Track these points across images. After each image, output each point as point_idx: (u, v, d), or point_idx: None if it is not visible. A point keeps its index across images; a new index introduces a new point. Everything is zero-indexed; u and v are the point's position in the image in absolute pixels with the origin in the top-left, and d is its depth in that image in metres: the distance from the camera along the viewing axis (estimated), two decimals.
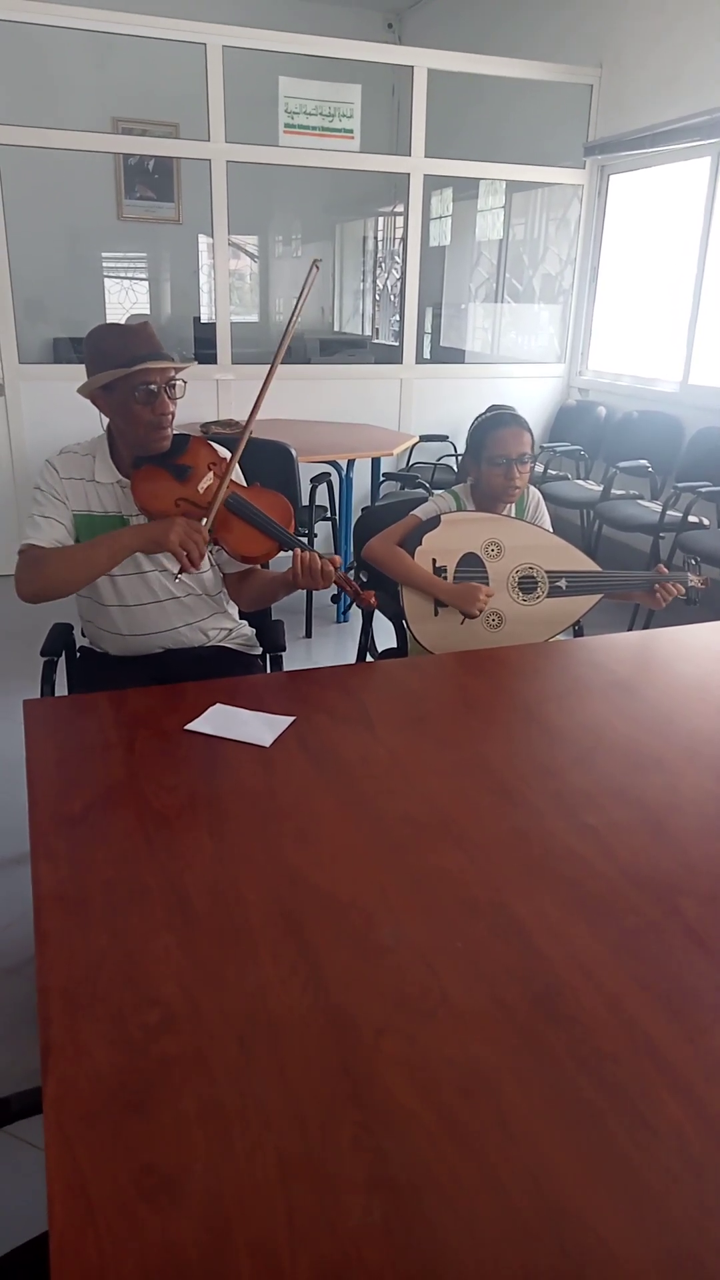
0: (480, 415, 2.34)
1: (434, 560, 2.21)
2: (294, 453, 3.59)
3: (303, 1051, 0.94)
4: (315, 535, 4.16)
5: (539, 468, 5.01)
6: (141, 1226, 0.76)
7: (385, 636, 2.50)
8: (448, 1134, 0.85)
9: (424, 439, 4.92)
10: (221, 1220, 0.77)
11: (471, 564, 2.22)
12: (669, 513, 4.19)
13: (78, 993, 1.00)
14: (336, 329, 7.76)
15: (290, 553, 1.95)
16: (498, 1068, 0.93)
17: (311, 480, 4.21)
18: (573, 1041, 0.96)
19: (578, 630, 2.38)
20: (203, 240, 6.69)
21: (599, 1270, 0.75)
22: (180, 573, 1.88)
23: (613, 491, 4.59)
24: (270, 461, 3.53)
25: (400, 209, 5.33)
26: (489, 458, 2.24)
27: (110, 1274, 0.72)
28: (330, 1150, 0.83)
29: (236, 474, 2.07)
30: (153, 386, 1.85)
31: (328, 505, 4.44)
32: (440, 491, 2.39)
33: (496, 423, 2.26)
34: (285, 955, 1.07)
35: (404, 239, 5.05)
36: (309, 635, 4.12)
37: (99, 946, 1.07)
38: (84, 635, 2.19)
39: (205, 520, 1.88)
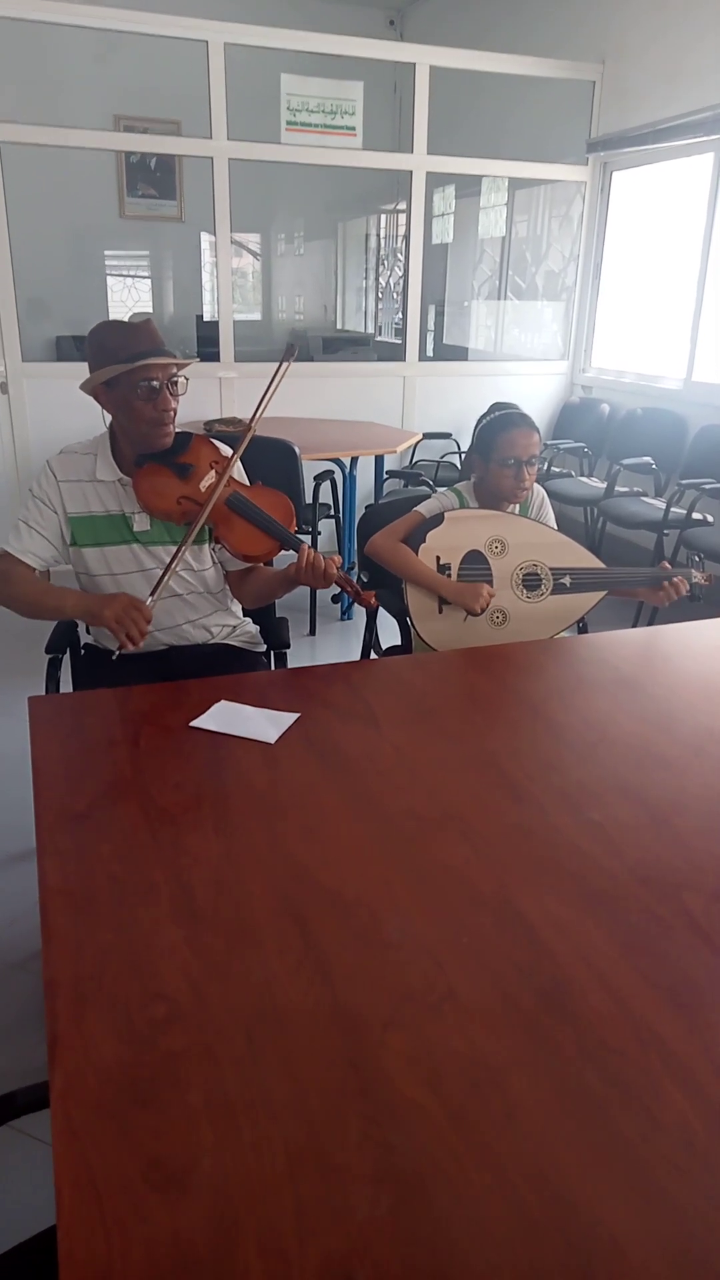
0: (487, 414, 2.33)
1: (438, 557, 2.21)
2: (297, 450, 3.59)
3: (309, 1045, 0.94)
4: (319, 533, 4.16)
5: (542, 465, 5.00)
6: (149, 1218, 0.76)
7: (389, 634, 2.50)
8: (454, 1127, 0.85)
9: (427, 436, 4.92)
10: (229, 1212, 0.77)
11: (475, 561, 2.22)
12: (673, 510, 4.19)
13: (84, 987, 1.00)
14: (339, 327, 7.75)
15: (290, 551, 1.96)
16: (504, 1062, 0.93)
17: (315, 478, 4.21)
18: (579, 1036, 0.96)
19: (582, 627, 2.38)
20: (205, 238, 6.68)
21: (605, 1263, 0.75)
22: (119, 649, 1.81)
23: (616, 489, 4.58)
24: (273, 459, 3.53)
25: (403, 206, 5.33)
26: (499, 459, 2.23)
27: (118, 1266, 0.73)
28: (337, 1143, 0.83)
29: (239, 473, 2.08)
30: (154, 383, 1.85)
31: (331, 503, 4.44)
32: (444, 489, 2.39)
33: (506, 423, 2.25)
34: (291, 950, 1.07)
35: (406, 236, 5.05)
36: (313, 633, 4.12)
37: (105, 941, 1.08)
38: (88, 633, 2.20)
39: (150, 599, 1.84)
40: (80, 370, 1.92)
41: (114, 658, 1.87)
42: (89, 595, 1.94)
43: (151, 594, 1.87)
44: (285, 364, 1.93)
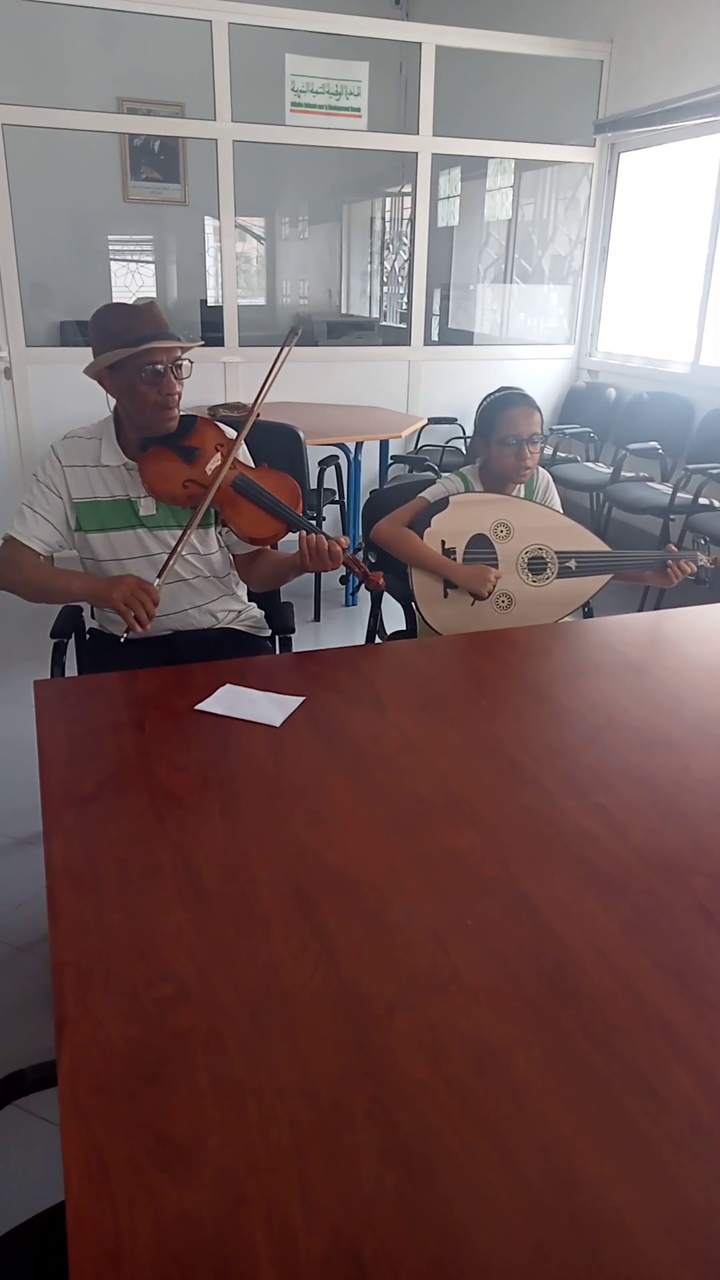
0: (488, 396, 2.32)
1: (443, 542, 2.20)
2: (302, 435, 3.58)
3: (315, 1026, 0.94)
4: (324, 518, 4.15)
5: (548, 450, 4.98)
6: (157, 1195, 0.77)
7: (394, 619, 2.50)
8: (460, 1107, 0.86)
9: (432, 421, 4.90)
10: (236, 1190, 0.77)
11: (480, 545, 2.21)
12: (679, 495, 4.17)
13: (91, 967, 1.01)
14: (344, 311, 7.71)
15: (299, 534, 1.95)
16: (509, 1042, 0.93)
17: (319, 463, 4.20)
18: (584, 1016, 0.96)
19: (587, 611, 2.38)
20: (209, 222, 6.65)
21: (610, 1241, 0.75)
22: (126, 633, 1.80)
23: (622, 474, 4.56)
24: (278, 444, 3.51)
25: (408, 189, 5.29)
26: (500, 438, 2.22)
27: (126, 1242, 0.73)
28: (343, 1122, 0.84)
29: (244, 455, 2.07)
30: (159, 366, 1.84)
31: (336, 488, 4.43)
32: (448, 474, 2.38)
33: (506, 402, 2.24)
34: (297, 932, 1.07)
35: (412, 219, 5.01)
36: (317, 619, 4.12)
37: (111, 922, 1.08)
38: (93, 617, 2.20)
39: (157, 580, 1.84)
40: (84, 355, 1.91)
41: (121, 640, 1.86)
42: (95, 578, 1.94)
43: (158, 576, 1.87)
44: (286, 349, 1.92)
